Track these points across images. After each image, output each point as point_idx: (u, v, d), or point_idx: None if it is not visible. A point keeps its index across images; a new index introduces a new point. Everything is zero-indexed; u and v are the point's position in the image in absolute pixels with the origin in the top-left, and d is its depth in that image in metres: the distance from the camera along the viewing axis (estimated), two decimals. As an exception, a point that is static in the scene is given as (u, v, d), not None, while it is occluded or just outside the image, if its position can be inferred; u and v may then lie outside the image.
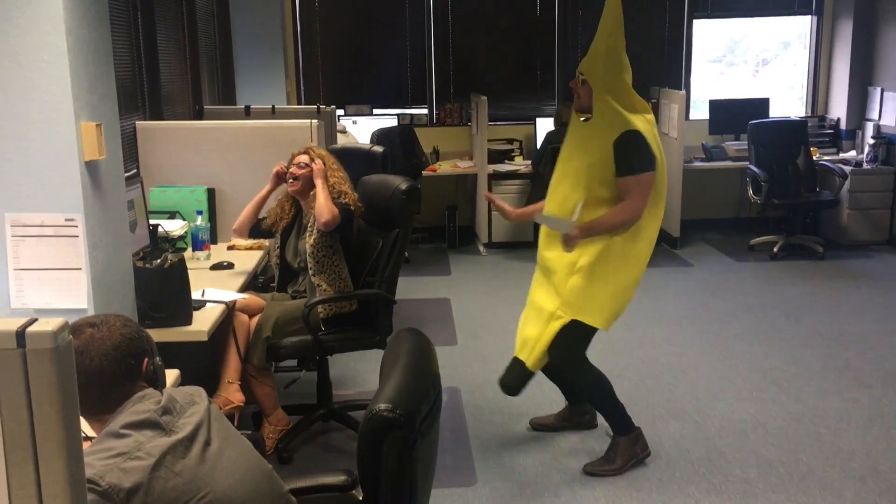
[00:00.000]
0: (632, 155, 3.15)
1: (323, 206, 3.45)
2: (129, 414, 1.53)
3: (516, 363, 3.42)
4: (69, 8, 2.37)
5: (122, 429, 1.50)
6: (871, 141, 7.11)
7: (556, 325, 3.27)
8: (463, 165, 7.37)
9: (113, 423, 1.52)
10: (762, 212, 7.13)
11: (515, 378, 3.44)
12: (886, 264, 6.58)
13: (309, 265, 3.56)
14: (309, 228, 3.60)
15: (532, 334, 3.35)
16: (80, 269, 2.46)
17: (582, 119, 3.30)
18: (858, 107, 7.49)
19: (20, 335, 0.93)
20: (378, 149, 5.23)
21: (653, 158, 3.19)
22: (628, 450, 3.39)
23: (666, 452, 3.54)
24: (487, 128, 7.01)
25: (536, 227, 6.93)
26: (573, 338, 3.28)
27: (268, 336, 3.40)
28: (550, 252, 3.34)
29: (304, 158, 3.63)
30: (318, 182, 3.52)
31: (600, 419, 3.69)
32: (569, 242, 3.18)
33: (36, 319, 0.96)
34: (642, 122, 3.20)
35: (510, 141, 7.60)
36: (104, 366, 1.58)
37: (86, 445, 1.34)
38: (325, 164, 3.62)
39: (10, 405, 0.94)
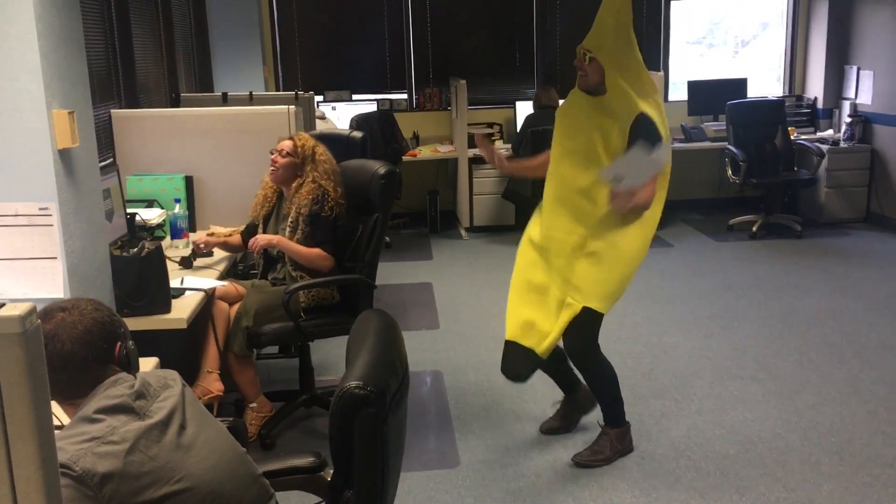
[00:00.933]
0: (644, 133, 3.05)
1: (306, 261, 3.50)
2: (102, 398, 1.53)
3: (519, 349, 3.23)
4: (38, -6, 2.34)
5: (95, 413, 1.50)
6: (848, 119, 7.17)
7: (569, 313, 3.16)
8: (443, 150, 7.36)
9: (86, 408, 1.52)
10: (741, 191, 7.18)
11: (524, 366, 3.27)
12: (863, 242, 6.65)
13: (288, 263, 3.55)
14: (289, 223, 3.56)
15: (538, 320, 3.20)
16: (55, 258, 2.44)
17: (591, 96, 3.16)
18: (835, 86, 7.54)
19: (-13, 320, 0.93)
20: (357, 134, 5.21)
21: (659, 141, 3.10)
22: (618, 441, 3.36)
23: (647, 430, 3.58)
24: (467, 112, 7.00)
25: (518, 210, 6.97)
26: (588, 325, 3.20)
27: (248, 324, 3.39)
28: (556, 232, 3.19)
29: (287, 146, 3.59)
30: (291, 247, 3.51)
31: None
32: (620, 200, 3.02)
33: (3, 304, 0.96)
34: (653, 107, 3.11)
35: (490, 125, 7.59)
36: (76, 350, 1.57)
37: (58, 432, 1.34)
38: (313, 152, 3.58)
39: (-22, 390, 0.94)
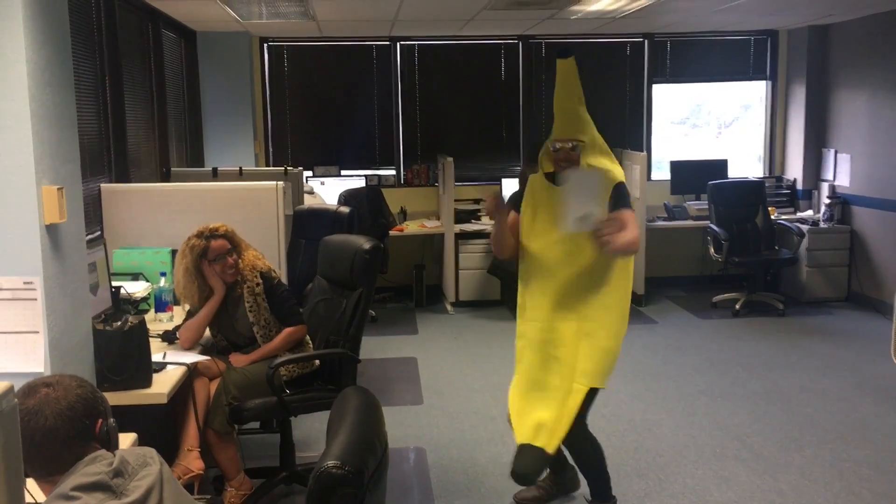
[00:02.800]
0: (625, 197, 3.19)
1: (285, 348, 3.53)
2: (80, 475, 1.53)
3: (532, 450, 3.21)
4: (33, 74, 2.41)
5: (71, 490, 1.49)
6: (827, 201, 7.32)
7: (577, 400, 3.19)
8: (430, 225, 7.44)
9: (63, 485, 1.51)
10: (724, 269, 7.26)
11: (535, 465, 3.25)
12: (845, 321, 6.70)
13: (260, 341, 3.56)
14: (248, 306, 3.53)
15: (547, 417, 3.20)
16: (37, 332, 2.45)
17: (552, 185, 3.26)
18: (814, 167, 7.71)
19: (-35, 398, 0.94)
20: (344, 209, 5.28)
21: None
22: None
23: (630, 511, 3.55)
24: (454, 188, 7.10)
25: (504, 285, 7.01)
26: (586, 404, 3.25)
27: (230, 401, 3.37)
28: (555, 323, 3.22)
29: (223, 244, 3.50)
30: (267, 351, 3.53)
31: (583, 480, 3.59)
32: (601, 237, 3.01)
33: (-18, 383, 0.97)
34: (623, 176, 3.28)
35: (476, 201, 7.69)
36: (58, 426, 1.57)
37: None
38: (240, 243, 3.59)
39: (-48, 468, 0.95)
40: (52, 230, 2.51)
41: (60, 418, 1.59)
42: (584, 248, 3.15)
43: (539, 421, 3.21)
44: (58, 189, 2.49)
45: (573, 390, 3.19)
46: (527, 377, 3.32)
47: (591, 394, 3.25)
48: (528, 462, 3.23)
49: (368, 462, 1.54)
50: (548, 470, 3.53)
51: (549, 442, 3.19)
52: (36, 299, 2.43)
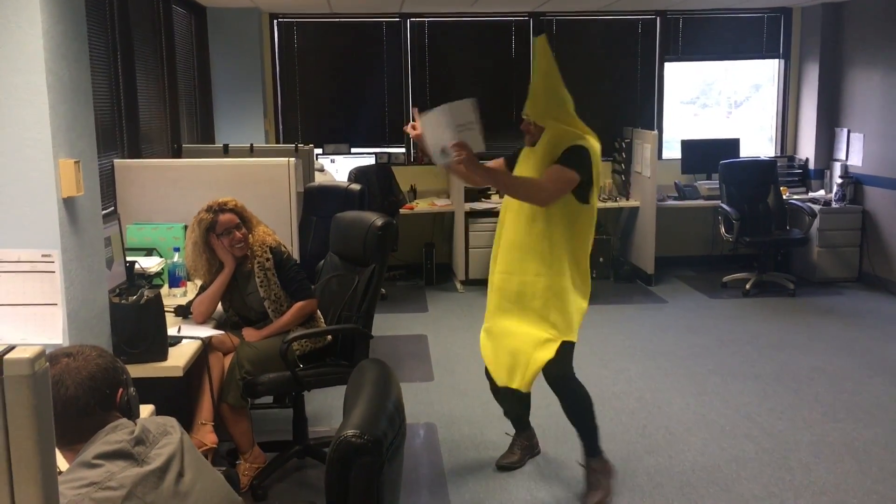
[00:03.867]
0: (575, 158, 3.26)
1: (296, 322, 3.55)
2: (102, 444, 1.54)
3: (511, 393, 3.45)
4: (49, 48, 2.41)
5: (94, 459, 1.51)
6: (839, 180, 7.28)
7: (551, 349, 3.35)
8: (440, 203, 7.44)
9: (85, 453, 1.53)
10: (734, 249, 7.25)
11: (519, 405, 3.64)
12: (856, 301, 6.69)
13: (272, 316, 3.58)
14: (259, 282, 3.55)
15: (518, 361, 3.39)
16: (56, 304, 2.46)
17: (532, 147, 3.47)
18: (826, 147, 7.67)
19: (-2, 362, 0.96)
20: (355, 187, 5.29)
21: (589, 173, 3.30)
22: (603, 470, 3.52)
23: (640, 487, 3.57)
24: (464, 166, 7.08)
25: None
26: (567, 356, 3.42)
27: (244, 375, 3.40)
28: (527, 276, 3.39)
29: (232, 218, 3.52)
30: (279, 327, 3.55)
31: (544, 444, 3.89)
32: (457, 163, 3.16)
33: (13, 347, 0.99)
34: (593, 141, 3.36)
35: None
36: (79, 395, 1.59)
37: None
38: (243, 207, 3.60)
39: (-14, 431, 0.96)
40: (69, 203, 2.52)
41: (81, 387, 1.61)
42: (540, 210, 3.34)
43: (511, 364, 3.42)
44: (75, 162, 2.50)
45: (545, 340, 3.35)
46: (499, 325, 3.50)
47: (569, 345, 3.40)
48: (513, 405, 3.62)
49: (387, 432, 1.55)
50: (515, 434, 3.86)
51: (522, 383, 3.39)
52: (54, 272, 2.44)
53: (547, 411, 3.98)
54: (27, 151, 2.41)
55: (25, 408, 0.96)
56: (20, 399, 0.96)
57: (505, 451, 3.87)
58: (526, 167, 3.48)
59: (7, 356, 0.96)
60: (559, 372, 3.43)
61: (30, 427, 0.97)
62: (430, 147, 3.22)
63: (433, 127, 3.18)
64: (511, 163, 3.59)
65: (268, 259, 3.55)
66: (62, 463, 1.66)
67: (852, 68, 7.34)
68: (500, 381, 3.45)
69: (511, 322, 3.45)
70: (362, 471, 1.46)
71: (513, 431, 3.89)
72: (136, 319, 2.92)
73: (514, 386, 3.40)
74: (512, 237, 3.46)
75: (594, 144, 3.35)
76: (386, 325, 6.01)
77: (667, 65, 7.99)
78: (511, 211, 3.48)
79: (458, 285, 7.25)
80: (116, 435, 1.57)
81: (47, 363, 0.99)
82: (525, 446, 3.86)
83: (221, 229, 3.50)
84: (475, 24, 7.90)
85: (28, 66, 2.38)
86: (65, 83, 2.51)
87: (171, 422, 1.73)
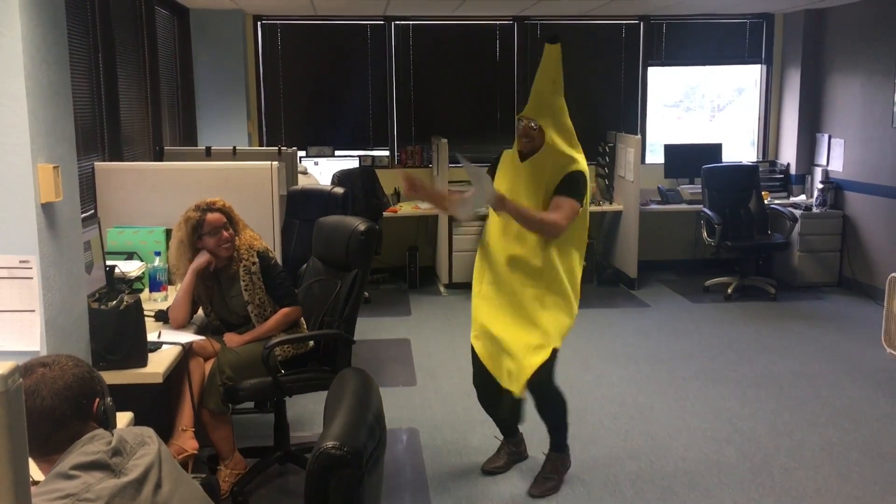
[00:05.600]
0: (575, 186, 3.38)
1: (281, 328, 3.55)
2: (79, 454, 1.53)
3: (509, 396, 3.49)
4: (28, 52, 2.39)
5: (70, 469, 1.50)
6: (820, 186, 7.34)
7: (542, 356, 3.40)
8: (423, 207, 7.42)
9: (62, 464, 1.52)
10: (716, 254, 7.29)
11: (517, 408, 3.63)
12: (837, 306, 6.74)
13: (254, 321, 3.56)
14: (243, 285, 3.53)
15: (511, 366, 3.44)
16: (33, 310, 2.44)
17: (524, 161, 3.47)
18: (807, 152, 7.73)
19: (-30, 378, 0.94)
20: (339, 190, 5.27)
21: (585, 194, 3.43)
22: (563, 465, 3.67)
23: (622, 492, 3.57)
24: (448, 170, 7.09)
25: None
26: (551, 362, 3.48)
27: (225, 381, 3.38)
28: (515, 287, 3.44)
29: (220, 217, 3.50)
30: (263, 332, 3.54)
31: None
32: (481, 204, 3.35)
33: (-13, 363, 0.97)
34: (583, 160, 3.45)
35: (470, 182, 7.66)
36: (55, 405, 1.57)
37: (33, 488, 1.33)
38: (238, 221, 3.59)
39: (-42, 448, 0.95)
40: (47, 209, 2.49)
41: (58, 398, 1.59)
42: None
43: (507, 369, 3.47)
44: (53, 167, 2.47)
45: (536, 347, 3.40)
46: (489, 333, 3.53)
47: (554, 353, 3.46)
48: (513, 408, 3.61)
49: (367, 443, 1.54)
50: (503, 441, 3.89)
51: (516, 388, 3.44)
52: (32, 278, 2.42)
53: (532, 414, 3.97)
54: (6, 157, 2.38)
55: (-2, 424, 0.95)
56: (-8, 416, 0.95)
57: (491, 455, 3.87)
58: (515, 181, 3.48)
59: (-21, 372, 0.95)
60: (541, 378, 3.46)
61: (2, 444, 0.95)
62: (476, 188, 3.38)
63: (475, 175, 3.40)
64: (491, 172, 3.61)
65: (254, 263, 3.53)
66: (37, 474, 1.65)
67: (833, 74, 7.40)
68: (504, 383, 3.48)
69: (503, 328, 3.48)
70: (342, 483, 1.45)
71: (501, 436, 3.89)
72: (115, 325, 2.89)
73: (513, 389, 3.45)
74: (503, 248, 3.47)
75: (584, 164, 3.44)
76: (368, 328, 6.00)
77: (650, 69, 8.02)
78: (498, 223, 3.50)
79: (442, 289, 7.24)
80: (93, 446, 1.55)
81: (20, 379, 0.98)
82: (512, 452, 3.87)
83: (209, 228, 3.48)
84: (460, 27, 7.90)
85: (7, 70, 2.34)
86: (44, 88, 2.49)
87: (149, 432, 1.71)
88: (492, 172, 3.61)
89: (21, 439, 0.98)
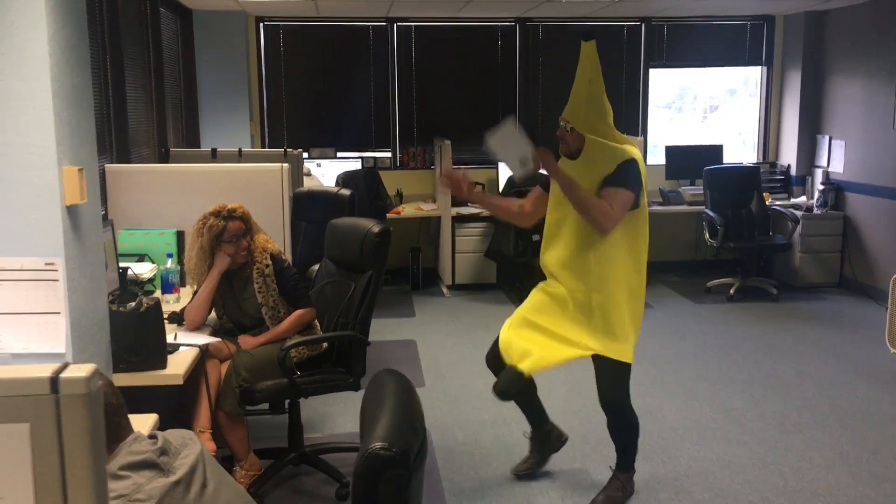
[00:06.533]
0: (629, 175, 3.21)
1: (294, 330, 3.54)
2: (127, 455, 1.53)
3: (513, 371, 3.33)
4: (54, 54, 2.39)
5: (119, 470, 1.50)
6: (821, 187, 7.38)
7: (576, 353, 3.30)
8: (426, 208, 7.44)
9: (110, 465, 1.52)
10: (718, 255, 7.32)
11: (514, 384, 3.41)
12: (838, 306, 6.78)
13: (268, 322, 3.56)
14: (257, 288, 3.54)
15: (536, 350, 3.30)
16: (59, 313, 2.44)
17: (572, 160, 3.35)
18: (808, 154, 7.77)
19: (54, 381, 0.95)
20: (345, 192, 5.27)
21: (640, 185, 3.25)
22: (627, 485, 3.54)
23: (637, 493, 3.59)
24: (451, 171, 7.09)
25: (500, 268, 7.05)
26: (621, 378, 3.38)
27: (241, 382, 3.38)
28: (567, 290, 3.33)
29: (239, 226, 3.51)
30: (277, 334, 3.53)
31: (573, 429, 3.85)
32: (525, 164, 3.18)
33: (67, 365, 0.98)
34: (634, 150, 3.29)
35: (473, 184, 7.67)
36: (109, 401, 1.59)
37: None
38: (253, 225, 3.59)
39: (41, 450, 0.95)
40: (72, 211, 2.49)
41: (111, 391, 1.62)
42: (580, 224, 3.26)
43: (527, 349, 3.31)
44: (78, 170, 2.47)
45: (575, 346, 3.29)
46: (528, 319, 3.41)
47: (621, 367, 3.32)
48: (508, 381, 3.38)
49: (413, 444, 1.55)
50: (531, 435, 3.78)
51: (532, 368, 3.29)
52: (58, 280, 2.42)
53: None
54: (31, 159, 2.38)
55: (81, 426, 0.96)
56: (76, 418, 0.95)
57: (525, 455, 3.82)
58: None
59: (63, 375, 0.96)
60: (615, 395, 3.38)
61: (85, 446, 0.96)
62: (507, 161, 3.29)
63: (504, 142, 3.26)
64: (546, 187, 3.48)
65: (267, 265, 3.53)
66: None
67: (834, 76, 7.44)
68: (509, 360, 3.35)
69: (548, 321, 3.36)
70: (391, 484, 1.45)
71: (529, 432, 3.81)
72: (136, 327, 2.89)
73: (521, 367, 3.29)
74: (566, 252, 3.35)
75: (637, 153, 3.28)
76: (373, 329, 5.90)
77: (651, 71, 8.05)
78: (568, 226, 3.34)
79: (445, 290, 7.25)
80: (140, 445, 1.56)
81: (100, 381, 0.99)
82: (538, 447, 3.78)
83: (229, 236, 3.49)
84: (462, 29, 7.91)
85: (34, 73, 2.34)
86: (68, 90, 2.49)
87: (190, 434, 1.72)
88: (546, 185, 3.47)
89: (101, 442, 0.99)
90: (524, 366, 3.28)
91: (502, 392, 3.44)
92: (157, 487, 1.49)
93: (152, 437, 1.62)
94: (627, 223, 3.24)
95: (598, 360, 3.35)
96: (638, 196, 3.24)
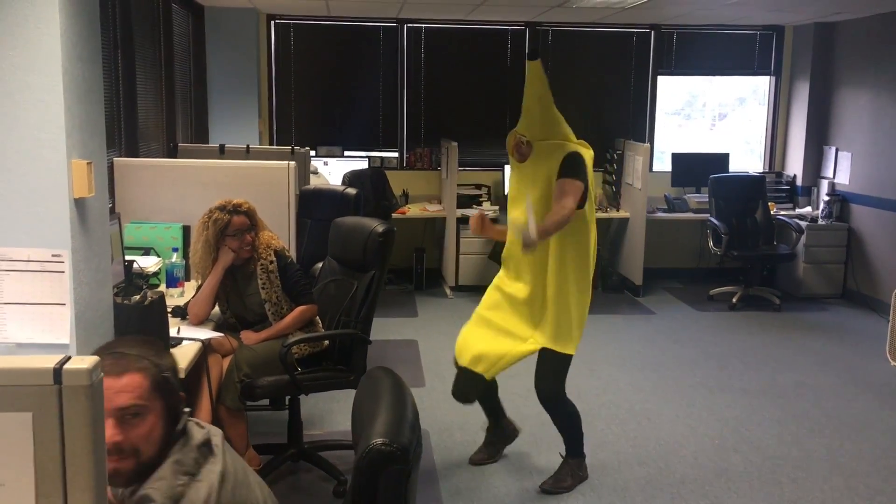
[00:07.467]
0: (574, 166, 3.43)
1: (297, 326, 3.59)
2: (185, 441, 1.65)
3: (471, 375, 3.60)
4: (66, 48, 2.42)
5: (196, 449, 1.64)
6: (826, 198, 7.38)
7: (528, 349, 3.53)
8: (432, 209, 7.46)
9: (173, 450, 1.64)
10: (721, 263, 7.33)
11: (472, 387, 3.68)
12: (840, 318, 6.79)
13: (271, 318, 3.59)
14: (261, 284, 3.57)
15: (490, 351, 3.55)
16: (64, 304, 2.47)
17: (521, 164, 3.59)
18: (814, 164, 7.78)
19: (57, 372, 0.98)
20: (351, 191, 5.30)
21: (586, 177, 3.45)
22: (578, 470, 3.72)
23: (632, 498, 3.61)
24: (457, 173, 7.13)
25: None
26: (559, 371, 3.56)
27: (242, 378, 3.41)
28: (521, 284, 3.58)
29: (244, 220, 3.54)
30: (280, 329, 3.57)
31: (527, 423, 4.10)
32: (527, 245, 3.29)
33: (70, 357, 1.00)
34: (584, 150, 3.51)
35: (478, 186, 7.72)
36: None
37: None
38: (258, 221, 3.63)
39: (43, 439, 0.98)
40: (80, 204, 2.52)
41: None
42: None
43: (481, 351, 3.57)
44: (87, 164, 2.50)
45: (526, 342, 3.54)
46: (486, 316, 3.67)
47: (561, 358, 3.52)
48: (467, 385, 3.67)
49: (411, 439, 1.58)
50: (488, 427, 4.00)
51: (488, 370, 3.57)
52: (64, 272, 2.45)
53: (538, 419, 4.01)
54: (41, 152, 2.41)
55: (83, 417, 0.98)
56: (78, 409, 0.98)
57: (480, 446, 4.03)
58: (519, 180, 3.59)
59: (66, 366, 0.98)
60: (551, 390, 3.57)
61: (86, 437, 0.98)
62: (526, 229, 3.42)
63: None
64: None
65: (272, 262, 3.56)
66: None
67: (842, 88, 7.45)
68: (462, 360, 3.61)
69: (500, 318, 3.60)
70: (391, 479, 1.48)
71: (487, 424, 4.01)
72: (139, 320, 2.92)
73: (477, 370, 3.56)
74: (512, 247, 3.62)
75: (585, 152, 3.50)
76: (375, 328, 5.93)
77: (660, 78, 8.06)
78: (513, 224, 3.61)
79: (448, 291, 7.27)
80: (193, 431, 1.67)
81: (102, 374, 1.01)
82: (494, 441, 3.98)
83: (233, 231, 3.52)
84: (471, 32, 7.94)
85: (45, 67, 2.37)
86: (79, 84, 2.52)
87: (215, 430, 1.78)
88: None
89: (101, 433, 1.01)
90: (481, 369, 3.55)
91: (462, 395, 3.73)
92: (213, 471, 1.59)
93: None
94: (574, 221, 3.43)
95: (542, 351, 3.55)
96: (586, 188, 3.42)
